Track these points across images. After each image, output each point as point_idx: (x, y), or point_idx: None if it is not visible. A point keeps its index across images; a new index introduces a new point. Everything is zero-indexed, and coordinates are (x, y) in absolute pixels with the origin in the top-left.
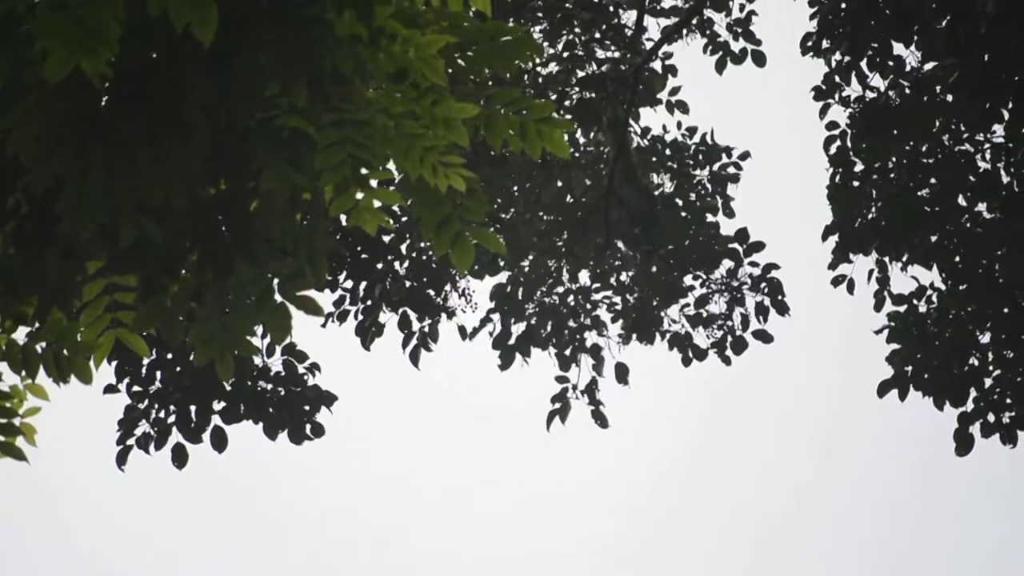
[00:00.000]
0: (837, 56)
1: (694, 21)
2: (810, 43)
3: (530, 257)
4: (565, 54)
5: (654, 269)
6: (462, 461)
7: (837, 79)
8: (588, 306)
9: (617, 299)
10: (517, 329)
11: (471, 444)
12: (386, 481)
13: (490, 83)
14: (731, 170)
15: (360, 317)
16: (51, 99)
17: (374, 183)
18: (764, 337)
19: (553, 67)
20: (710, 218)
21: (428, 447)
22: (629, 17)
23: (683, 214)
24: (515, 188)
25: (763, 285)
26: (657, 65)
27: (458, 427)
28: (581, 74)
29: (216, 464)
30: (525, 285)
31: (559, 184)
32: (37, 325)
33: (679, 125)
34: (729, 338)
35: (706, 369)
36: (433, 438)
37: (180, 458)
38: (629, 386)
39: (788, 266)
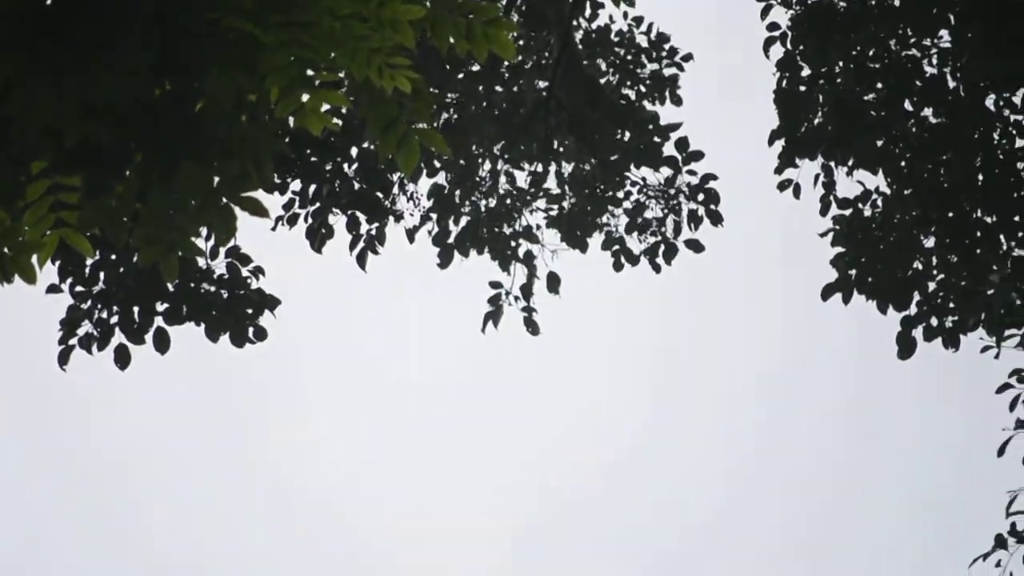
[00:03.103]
0: None
1: None
2: None
3: (467, 160)
4: None
5: (589, 166)
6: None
7: None
8: (523, 210)
9: (553, 206)
10: (456, 229)
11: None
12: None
13: None
14: (674, 71)
15: (310, 220)
16: None
17: (320, 84)
18: (695, 246)
19: None
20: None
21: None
22: None
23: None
24: (460, 92)
25: (700, 195)
26: None
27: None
28: None
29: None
30: (463, 187)
31: (503, 86)
32: None
33: (625, 16)
34: (662, 245)
35: (645, 277)
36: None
37: (122, 359)
38: (560, 296)
39: (732, 170)
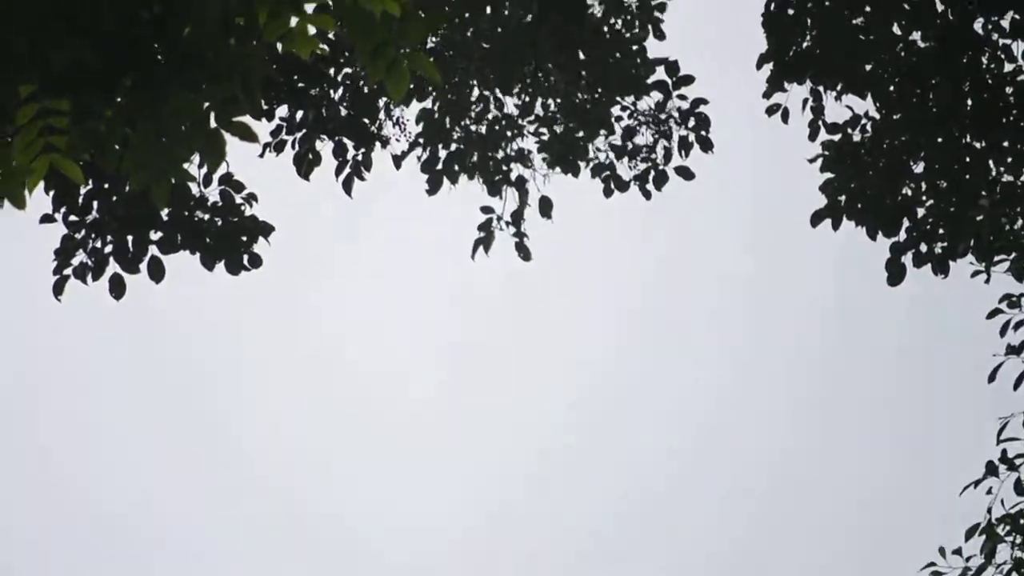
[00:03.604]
0: None
1: None
2: None
3: (455, 81)
4: None
5: (580, 97)
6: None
7: None
8: (513, 135)
9: (544, 130)
10: (444, 155)
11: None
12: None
13: None
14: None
15: (296, 147)
16: None
17: (309, 8)
18: (685, 173)
19: None
20: (638, 45)
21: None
22: None
23: (611, 41)
24: (449, 14)
25: (691, 120)
26: None
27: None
28: None
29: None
30: (451, 112)
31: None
32: None
33: None
34: (652, 172)
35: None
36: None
37: (117, 289)
38: (552, 220)
39: (720, 94)
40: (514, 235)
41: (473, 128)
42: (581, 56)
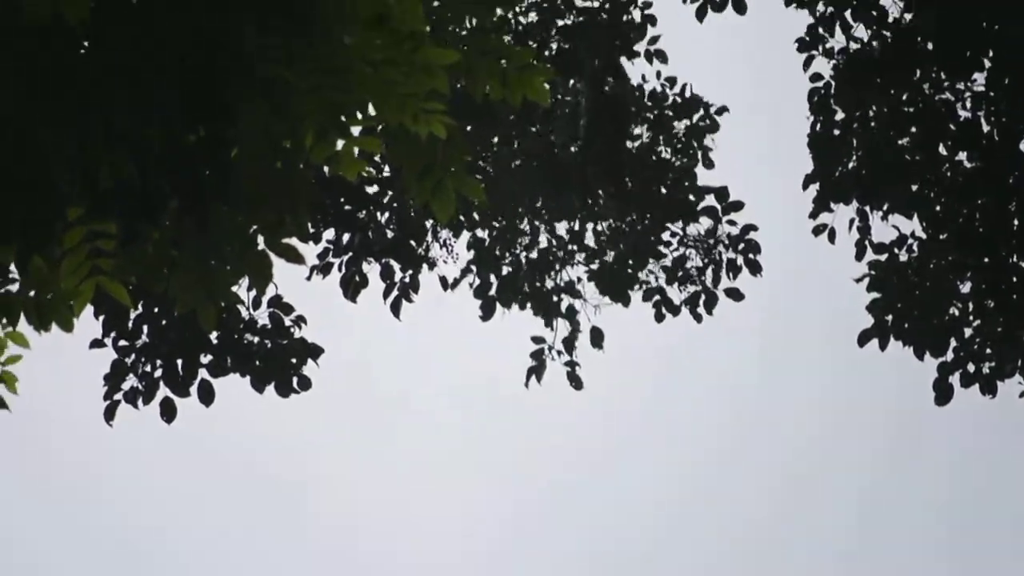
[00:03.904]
0: (820, 7)
1: None
2: None
3: (506, 214)
4: (545, 3)
5: (628, 227)
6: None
7: (821, 30)
8: (563, 264)
9: (594, 260)
10: (496, 283)
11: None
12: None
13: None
14: (707, 123)
15: (343, 269)
16: (30, 46)
17: (355, 131)
18: (735, 295)
19: (533, 16)
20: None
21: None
22: None
23: (659, 167)
24: (495, 139)
25: (741, 245)
26: (636, 15)
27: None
28: (561, 23)
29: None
30: (502, 240)
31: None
32: (18, 273)
33: (658, 75)
34: (702, 295)
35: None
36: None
37: (168, 412)
38: (603, 350)
39: (769, 215)
40: (565, 364)
41: (523, 256)
42: (629, 184)
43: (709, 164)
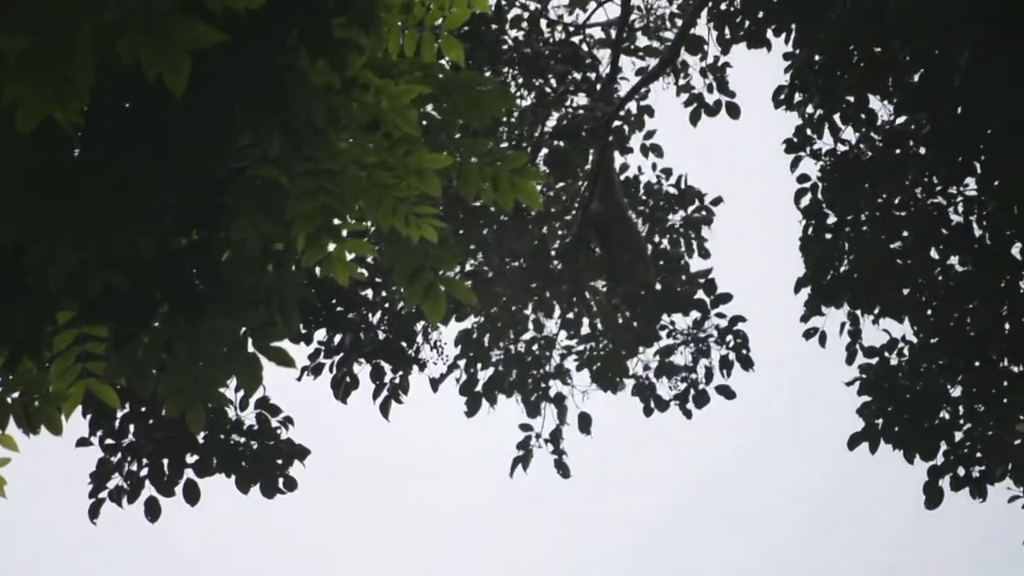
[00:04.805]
0: (810, 108)
1: (669, 68)
2: (782, 96)
3: (497, 305)
4: (538, 105)
5: (621, 318)
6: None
7: (809, 132)
8: (553, 354)
9: (583, 347)
10: (483, 376)
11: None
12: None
13: (459, 135)
14: (703, 214)
15: (334, 370)
16: (22, 149)
17: (346, 233)
18: (726, 392)
19: (527, 116)
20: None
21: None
22: (603, 57)
23: (655, 259)
24: (487, 238)
25: (729, 338)
26: (632, 107)
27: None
28: (554, 122)
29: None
30: (491, 332)
31: (531, 234)
32: (7, 375)
33: (654, 167)
34: (692, 391)
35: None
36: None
37: (153, 512)
38: (591, 436)
39: (759, 316)
40: (553, 452)
41: (512, 348)
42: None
43: (705, 254)
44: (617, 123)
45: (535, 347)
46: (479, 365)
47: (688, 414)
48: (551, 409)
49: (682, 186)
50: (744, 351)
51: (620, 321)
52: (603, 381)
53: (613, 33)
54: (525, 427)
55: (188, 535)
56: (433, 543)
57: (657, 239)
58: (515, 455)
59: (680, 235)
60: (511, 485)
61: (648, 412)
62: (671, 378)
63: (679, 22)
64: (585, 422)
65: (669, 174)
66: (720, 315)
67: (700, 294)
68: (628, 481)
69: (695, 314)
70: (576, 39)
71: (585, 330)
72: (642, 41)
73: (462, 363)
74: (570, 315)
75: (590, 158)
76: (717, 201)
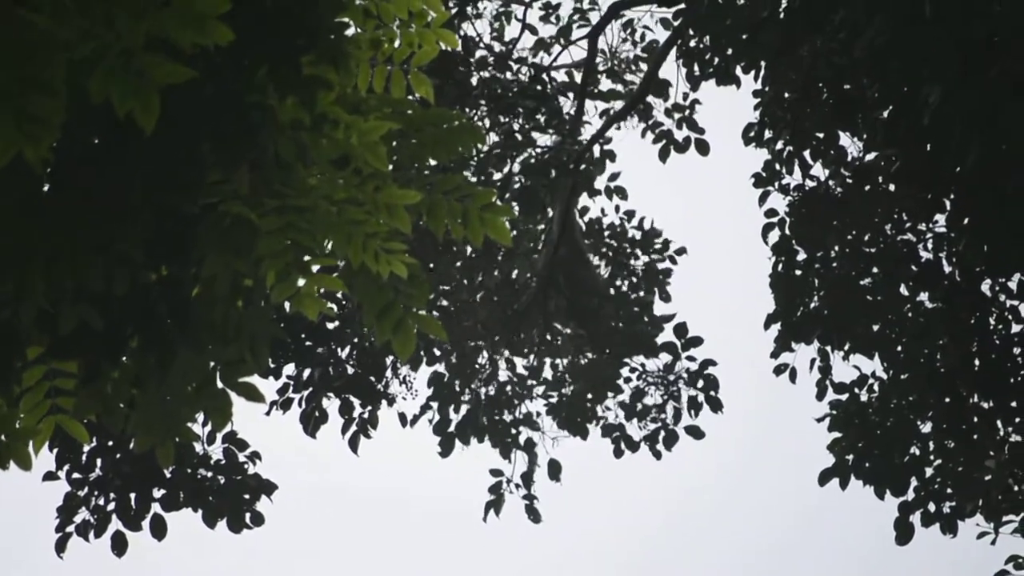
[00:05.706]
0: (780, 145)
1: (635, 109)
2: (752, 133)
3: (469, 345)
4: (507, 142)
5: (585, 360)
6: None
7: (777, 167)
8: (522, 398)
9: (552, 393)
10: (456, 417)
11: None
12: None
13: (428, 171)
14: (667, 264)
15: (303, 405)
16: None
17: (316, 269)
18: (695, 433)
19: (496, 152)
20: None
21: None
22: (571, 97)
23: (618, 305)
24: (456, 275)
25: (699, 381)
26: (596, 150)
27: (397, 516)
28: (522, 159)
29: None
30: (461, 375)
31: (499, 271)
32: None
33: (617, 209)
34: (662, 432)
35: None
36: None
37: (119, 546)
38: (561, 483)
39: (728, 353)
40: (524, 498)
41: (483, 391)
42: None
43: (666, 298)
44: (583, 166)
45: (507, 389)
46: (452, 407)
47: (658, 455)
48: (522, 456)
49: (645, 227)
50: (713, 393)
51: (584, 363)
52: (571, 426)
53: (578, 76)
54: (496, 472)
55: (156, 571)
56: None
57: (619, 282)
58: (487, 499)
59: (641, 280)
60: (487, 523)
61: (618, 454)
62: (641, 420)
63: (643, 66)
64: (555, 469)
65: (632, 216)
66: (690, 358)
67: (671, 336)
68: (597, 520)
69: (665, 356)
70: (544, 78)
71: (550, 373)
72: (606, 84)
73: (435, 404)
74: (535, 362)
75: (557, 197)
76: (681, 251)
